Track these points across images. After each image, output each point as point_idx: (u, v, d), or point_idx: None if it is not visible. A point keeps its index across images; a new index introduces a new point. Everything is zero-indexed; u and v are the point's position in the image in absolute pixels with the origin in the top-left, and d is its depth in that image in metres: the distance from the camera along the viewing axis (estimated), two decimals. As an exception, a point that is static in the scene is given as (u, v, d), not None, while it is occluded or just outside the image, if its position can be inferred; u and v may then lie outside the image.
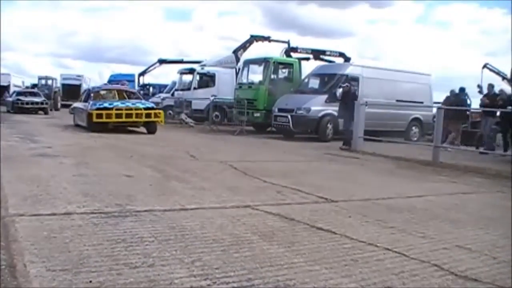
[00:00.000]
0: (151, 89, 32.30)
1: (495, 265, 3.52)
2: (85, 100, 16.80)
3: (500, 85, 19.02)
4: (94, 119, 14.52)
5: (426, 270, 3.31)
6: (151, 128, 15.40)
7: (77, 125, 16.82)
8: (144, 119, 15.10)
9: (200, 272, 3.02)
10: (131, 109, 15.05)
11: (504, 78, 21.63)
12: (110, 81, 34.09)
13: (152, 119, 15.25)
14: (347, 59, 21.22)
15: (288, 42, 21.83)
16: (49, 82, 36.21)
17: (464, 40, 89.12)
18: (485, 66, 23.49)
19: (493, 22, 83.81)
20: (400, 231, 4.34)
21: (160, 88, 30.55)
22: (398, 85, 16.93)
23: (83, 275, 2.87)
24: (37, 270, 2.91)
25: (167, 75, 56.25)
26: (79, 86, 35.94)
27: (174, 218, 4.41)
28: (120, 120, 14.84)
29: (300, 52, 21.35)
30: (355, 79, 16.52)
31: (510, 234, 4.45)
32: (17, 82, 37.29)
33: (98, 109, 14.77)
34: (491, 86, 14.09)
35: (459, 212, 5.44)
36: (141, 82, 32.04)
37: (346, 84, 14.54)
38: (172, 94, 24.12)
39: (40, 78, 36.64)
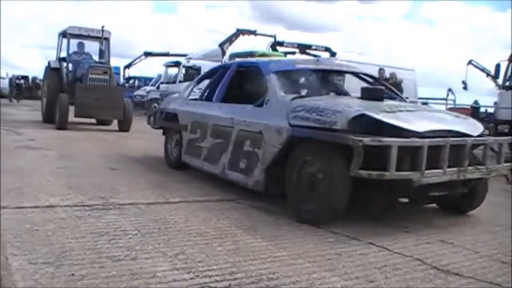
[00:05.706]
0: (136, 82, 32.04)
1: (477, 260, 3.55)
2: None
3: (485, 82, 19.17)
4: None
5: (409, 264, 3.34)
6: None
7: None
8: None
9: (183, 265, 3.01)
10: None
11: (488, 74, 21.84)
12: None
13: None
14: (333, 54, 21.30)
15: (274, 36, 21.86)
16: (78, 56, 14.58)
17: (450, 37, 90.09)
18: (469, 62, 23.65)
19: (479, 20, 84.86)
20: (384, 225, 4.36)
21: (146, 81, 30.31)
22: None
23: (66, 268, 2.85)
24: (19, 263, 2.88)
25: (152, 68, 55.86)
26: None
27: (158, 211, 4.39)
28: None
29: (286, 46, 21.41)
30: (341, 74, 16.54)
31: (492, 230, 4.51)
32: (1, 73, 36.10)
33: None
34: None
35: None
36: (126, 75, 31.78)
37: None
38: (158, 87, 23.93)
39: (66, 34, 14.36)
